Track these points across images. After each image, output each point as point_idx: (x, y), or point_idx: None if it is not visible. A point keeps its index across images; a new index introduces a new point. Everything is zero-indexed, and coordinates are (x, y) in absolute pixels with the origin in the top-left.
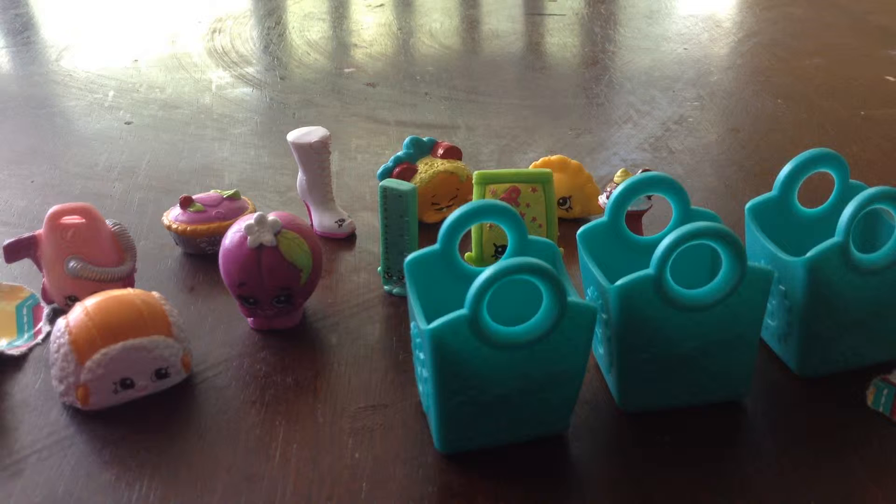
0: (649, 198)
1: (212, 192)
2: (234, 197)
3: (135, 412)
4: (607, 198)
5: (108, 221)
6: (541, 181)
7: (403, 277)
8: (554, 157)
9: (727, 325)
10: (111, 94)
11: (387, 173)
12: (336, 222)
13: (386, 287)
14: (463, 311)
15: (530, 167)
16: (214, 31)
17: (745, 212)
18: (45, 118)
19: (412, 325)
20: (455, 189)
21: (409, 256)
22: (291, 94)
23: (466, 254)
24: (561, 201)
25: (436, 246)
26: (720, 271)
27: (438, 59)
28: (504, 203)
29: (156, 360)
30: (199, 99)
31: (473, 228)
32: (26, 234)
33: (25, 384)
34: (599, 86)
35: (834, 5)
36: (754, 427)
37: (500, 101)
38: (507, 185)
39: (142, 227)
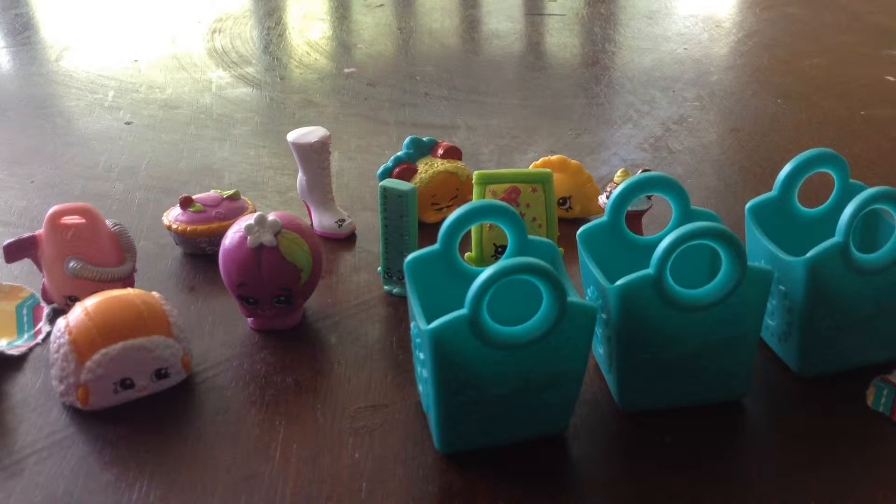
0: (649, 198)
1: (212, 192)
2: (234, 197)
3: (135, 412)
4: (607, 198)
5: (108, 221)
6: (541, 181)
7: (403, 277)
8: (554, 157)
9: (727, 325)
10: (111, 94)
11: (387, 173)
12: (336, 222)
13: (386, 287)
14: (463, 311)
15: (530, 167)
16: (214, 31)
17: (745, 212)
18: (45, 118)
19: (412, 325)
20: (455, 189)
21: (409, 256)
22: (291, 94)
23: (466, 254)
24: (561, 201)
25: (436, 246)
26: (720, 271)
27: (438, 59)
28: (504, 203)
29: (156, 360)
30: (199, 99)
31: (473, 228)
32: (26, 234)
33: (25, 384)
34: (599, 86)
35: (834, 5)
36: (754, 427)
37: (500, 101)
38: (507, 185)
39: (142, 227)
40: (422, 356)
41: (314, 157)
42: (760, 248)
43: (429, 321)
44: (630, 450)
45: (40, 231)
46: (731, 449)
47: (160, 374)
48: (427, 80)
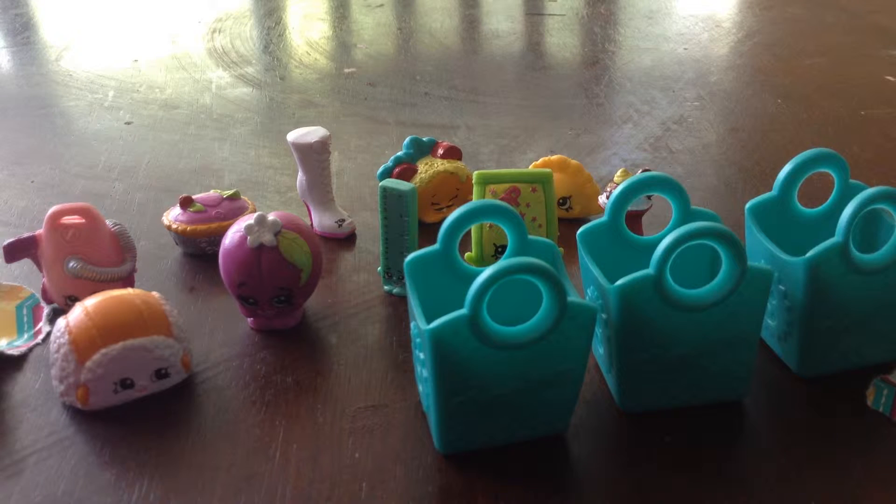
0: (649, 198)
1: (212, 192)
2: (234, 197)
3: (135, 412)
4: (607, 198)
5: (108, 221)
6: (541, 181)
7: (403, 277)
8: (554, 157)
9: (727, 325)
10: (111, 94)
11: (387, 173)
12: (336, 222)
13: (386, 287)
14: (463, 311)
15: (530, 167)
16: (214, 31)
17: (745, 212)
18: (45, 118)
19: (412, 325)
20: (455, 189)
21: (409, 256)
22: (291, 94)
23: (466, 254)
24: (561, 201)
25: (436, 246)
26: (720, 271)
27: (438, 59)
28: (504, 203)
29: (156, 360)
30: (199, 99)
31: (473, 228)
32: (26, 234)
33: (25, 384)
34: (599, 86)
35: (834, 5)
36: (754, 427)
37: (500, 101)
38: (507, 185)
39: (142, 227)
40: (422, 356)
41: (314, 157)
42: (760, 248)
43: (429, 321)
44: (630, 450)
45: (40, 231)
46: (731, 449)
47: (160, 374)
48: (427, 80)
